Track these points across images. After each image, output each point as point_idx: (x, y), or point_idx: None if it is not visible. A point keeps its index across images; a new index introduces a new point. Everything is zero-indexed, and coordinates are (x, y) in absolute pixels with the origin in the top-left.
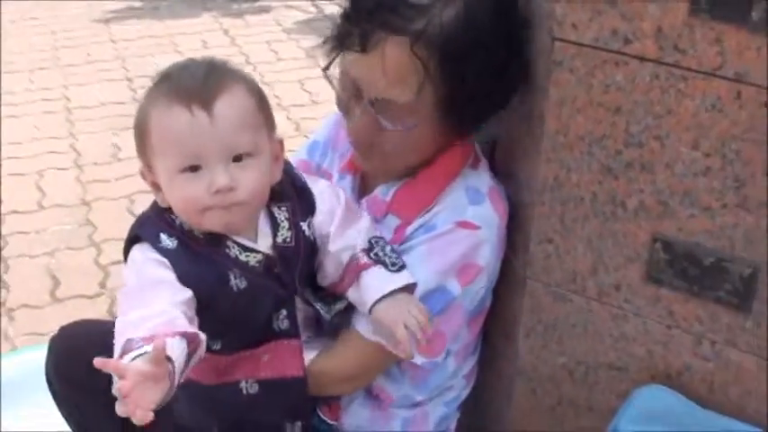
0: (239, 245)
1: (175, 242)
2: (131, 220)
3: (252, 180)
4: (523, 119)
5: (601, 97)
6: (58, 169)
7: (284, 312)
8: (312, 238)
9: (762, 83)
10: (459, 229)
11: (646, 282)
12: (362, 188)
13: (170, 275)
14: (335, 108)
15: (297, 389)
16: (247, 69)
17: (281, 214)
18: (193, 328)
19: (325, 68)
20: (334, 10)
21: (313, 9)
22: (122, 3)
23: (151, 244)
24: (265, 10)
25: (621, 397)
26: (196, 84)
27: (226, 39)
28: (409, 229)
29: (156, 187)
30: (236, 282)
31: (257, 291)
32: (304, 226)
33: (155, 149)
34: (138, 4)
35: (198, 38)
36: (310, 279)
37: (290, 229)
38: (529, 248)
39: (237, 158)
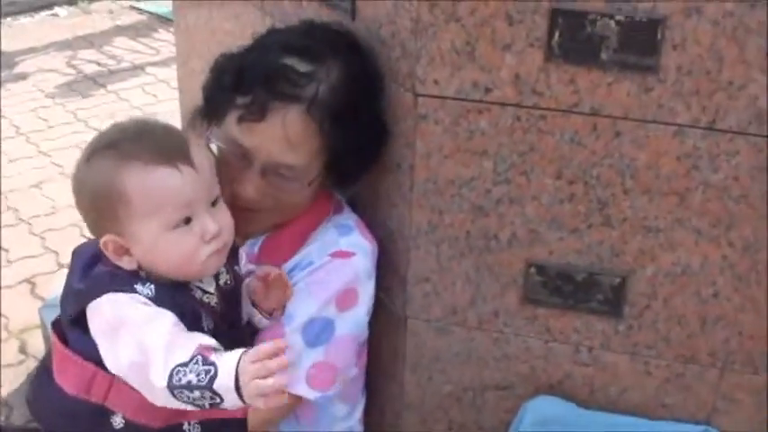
0: (198, 287)
1: (152, 287)
2: None
3: (229, 218)
4: (388, 171)
5: (467, 143)
6: None
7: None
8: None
9: (615, 114)
10: (335, 259)
11: (523, 304)
12: None
13: (160, 310)
14: None
15: (237, 428)
16: (20, 140)
17: None
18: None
19: (208, 142)
20: (91, 70)
21: (71, 71)
22: None
23: (128, 295)
24: (23, 77)
25: (510, 413)
26: (164, 141)
27: None
28: (285, 268)
29: (121, 253)
30: (207, 323)
31: (219, 331)
32: (237, 268)
33: (136, 213)
34: None
35: None
36: None
37: (228, 272)
38: (407, 290)
39: (213, 202)
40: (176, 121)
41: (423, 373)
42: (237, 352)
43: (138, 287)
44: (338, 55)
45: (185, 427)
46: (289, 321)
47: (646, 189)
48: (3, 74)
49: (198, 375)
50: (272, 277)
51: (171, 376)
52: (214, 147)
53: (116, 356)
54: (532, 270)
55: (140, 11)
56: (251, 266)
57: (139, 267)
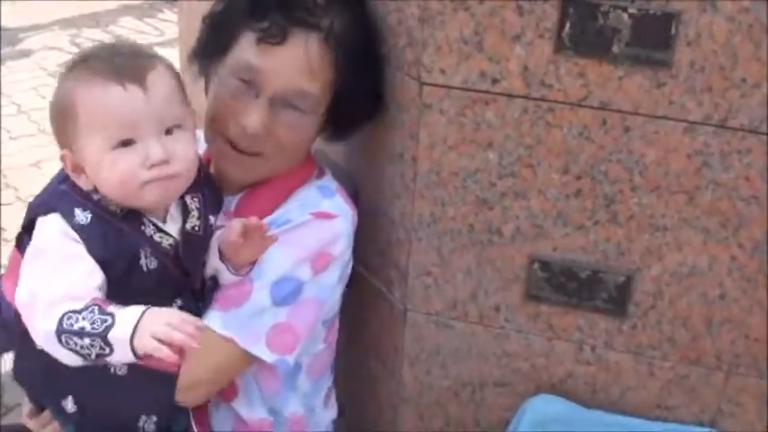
0: (154, 225)
1: (89, 216)
2: None
3: (184, 152)
4: (392, 160)
5: (472, 135)
6: None
7: (179, 302)
8: (214, 233)
9: (625, 109)
10: (317, 219)
11: (525, 300)
12: None
13: (83, 253)
14: None
15: (165, 383)
16: (21, 118)
17: (193, 203)
18: None
19: (204, 67)
20: None
21: (75, 49)
22: None
23: (65, 218)
24: (26, 54)
25: (509, 411)
26: (125, 61)
27: None
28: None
29: (79, 171)
30: (147, 261)
31: (164, 273)
32: (212, 219)
33: (83, 128)
34: None
35: None
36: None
37: (199, 218)
38: (407, 282)
39: (168, 131)
40: None
41: (421, 367)
42: (141, 308)
43: (77, 211)
44: (347, 2)
45: (140, 423)
46: (258, 276)
47: (654, 186)
48: (5, 50)
49: (93, 324)
50: (250, 225)
51: (61, 321)
52: (217, 82)
53: (22, 281)
54: (536, 266)
55: None
56: (225, 222)
57: (95, 189)
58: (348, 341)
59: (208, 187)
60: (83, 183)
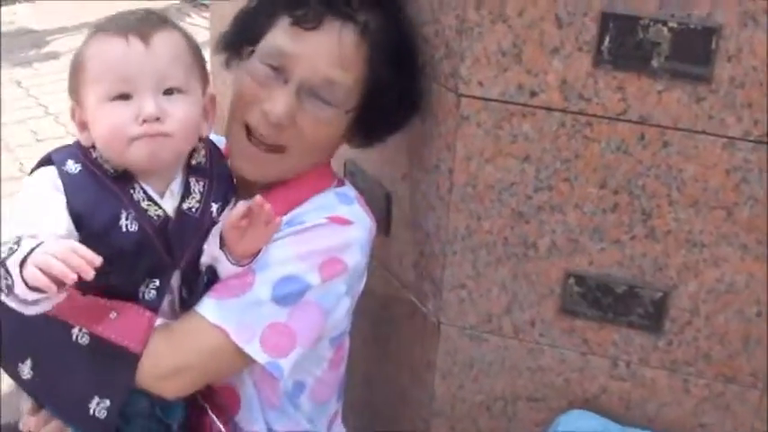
0: (145, 192)
1: (79, 167)
2: None
3: (180, 114)
4: (427, 172)
5: (509, 147)
6: None
7: (156, 282)
8: (214, 222)
9: (664, 123)
10: (332, 223)
11: (560, 315)
12: None
13: (57, 203)
14: None
15: (125, 363)
16: (48, 120)
17: (197, 186)
18: None
19: (234, 56)
20: None
21: None
22: None
23: (57, 166)
24: (53, 56)
25: (541, 426)
26: (137, 18)
27: (20, 91)
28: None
29: (83, 127)
30: (126, 223)
31: (144, 242)
32: (213, 207)
33: (87, 80)
34: None
35: None
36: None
37: (199, 201)
38: (442, 295)
39: (168, 92)
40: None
41: (454, 380)
42: (53, 239)
43: (69, 162)
44: (384, 4)
45: (74, 330)
46: (262, 268)
47: (692, 202)
48: (33, 53)
49: (7, 252)
50: (255, 207)
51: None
52: (245, 70)
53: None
54: (571, 280)
55: None
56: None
57: (94, 146)
58: (380, 354)
59: (220, 178)
60: (83, 138)
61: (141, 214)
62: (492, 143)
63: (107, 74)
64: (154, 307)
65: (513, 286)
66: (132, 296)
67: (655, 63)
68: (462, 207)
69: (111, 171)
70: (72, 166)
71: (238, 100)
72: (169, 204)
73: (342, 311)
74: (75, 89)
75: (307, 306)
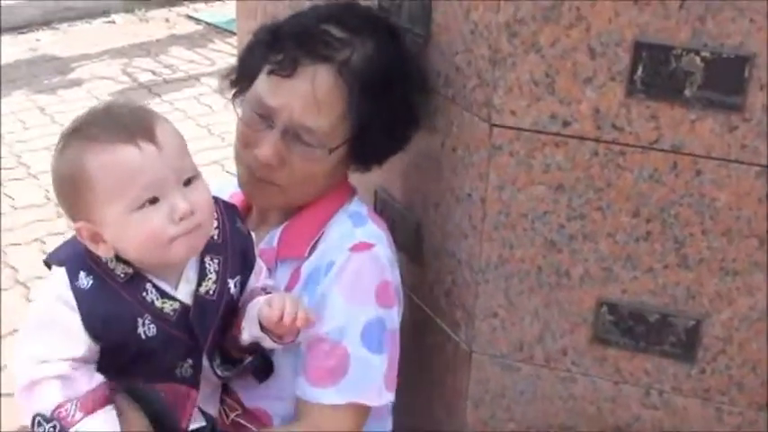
0: (158, 289)
1: (91, 281)
2: None
3: (203, 200)
4: (459, 201)
5: (541, 177)
6: None
7: (189, 362)
8: (236, 297)
9: (697, 152)
10: (357, 253)
11: (592, 343)
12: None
13: (70, 322)
14: None
15: None
16: None
17: (212, 266)
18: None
19: (235, 96)
20: (146, 78)
21: (125, 78)
22: None
23: (69, 277)
24: (77, 83)
25: None
26: (128, 120)
27: (44, 117)
28: (305, 269)
29: (97, 239)
30: (144, 329)
31: (166, 339)
32: (231, 283)
33: (101, 197)
34: None
35: (14, 118)
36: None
37: (216, 282)
38: (474, 324)
39: (187, 183)
40: (232, 132)
41: (486, 409)
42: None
43: (81, 275)
44: (375, 33)
45: None
46: (342, 335)
47: (725, 230)
48: (57, 79)
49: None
50: (291, 321)
51: (33, 421)
52: (240, 111)
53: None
54: (604, 309)
55: (197, 20)
56: (269, 282)
57: (116, 255)
58: (411, 382)
59: (234, 249)
60: (102, 251)
61: (157, 315)
62: (525, 172)
63: (130, 185)
64: (193, 383)
65: (546, 315)
66: (170, 376)
67: (687, 92)
68: (495, 236)
69: (122, 276)
70: (84, 281)
71: (237, 142)
72: (187, 290)
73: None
74: (80, 207)
75: (392, 334)
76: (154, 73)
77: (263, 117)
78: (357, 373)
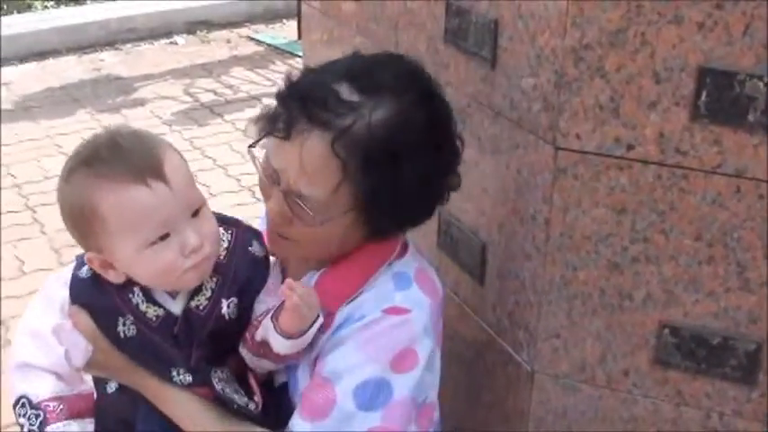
0: (144, 293)
1: (90, 273)
2: None
3: (210, 230)
4: (523, 222)
5: (605, 199)
6: None
7: (181, 370)
8: (228, 317)
9: (760, 176)
10: (388, 315)
11: (654, 365)
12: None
13: (65, 305)
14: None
15: None
16: None
17: (209, 283)
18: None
19: (252, 146)
20: (208, 98)
21: (188, 98)
22: None
23: (75, 266)
24: (140, 103)
25: None
26: (136, 158)
27: None
28: (337, 319)
29: (107, 266)
30: (124, 329)
31: (145, 343)
32: (224, 303)
33: (113, 232)
34: (7, 107)
35: (77, 137)
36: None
37: (209, 299)
38: (536, 344)
39: (194, 213)
40: None
41: (547, 429)
42: None
43: (84, 268)
44: (401, 94)
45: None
46: (337, 380)
47: None
48: (120, 99)
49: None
50: (283, 292)
51: (17, 401)
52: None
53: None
54: (666, 331)
55: (258, 42)
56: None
57: (127, 278)
58: (472, 402)
59: (238, 272)
60: (113, 277)
61: (139, 318)
62: (588, 195)
63: (141, 225)
64: (200, 382)
65: (608, 336)
66: (173, 385)
67: (751, 117)
68: (558, 257)
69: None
70: (84, 272)
71: (261, 192)
72: (180, 303)
73: (427, 384)
74: (90, 239)
75: (398, 403)
76: (215, 93)
77: (270, 173)
78: (335, 422)
